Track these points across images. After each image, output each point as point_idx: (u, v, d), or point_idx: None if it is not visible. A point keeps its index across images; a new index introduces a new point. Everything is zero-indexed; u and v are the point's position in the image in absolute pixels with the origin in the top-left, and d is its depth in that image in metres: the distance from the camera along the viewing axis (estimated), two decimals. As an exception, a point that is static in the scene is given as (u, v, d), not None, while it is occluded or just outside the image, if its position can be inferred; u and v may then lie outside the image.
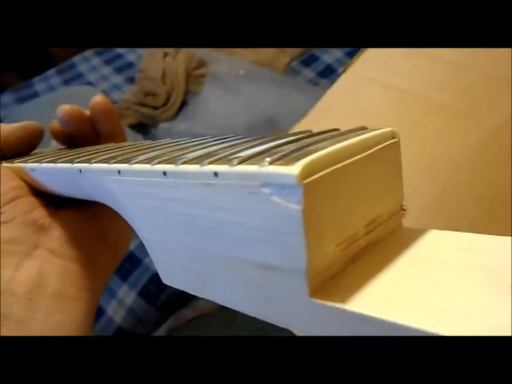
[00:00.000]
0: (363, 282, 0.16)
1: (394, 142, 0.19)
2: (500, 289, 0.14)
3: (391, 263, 0.17)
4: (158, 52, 1.15)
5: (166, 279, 0.22)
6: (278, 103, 0.95)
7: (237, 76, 1.00)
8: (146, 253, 0.92)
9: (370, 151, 0.18)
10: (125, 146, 0.28)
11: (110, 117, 0.37)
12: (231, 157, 0.17)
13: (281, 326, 0.18)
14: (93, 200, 0.27)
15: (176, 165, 0.18)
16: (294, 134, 0.20)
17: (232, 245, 0.17)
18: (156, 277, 0.80)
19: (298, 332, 0.17)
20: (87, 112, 0.37)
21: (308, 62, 1.13)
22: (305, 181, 0.14)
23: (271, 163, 0.15)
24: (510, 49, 0.50)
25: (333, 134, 0.19)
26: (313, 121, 0.52)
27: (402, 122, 0.48)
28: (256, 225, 0.16)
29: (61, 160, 0.27)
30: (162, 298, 0.79)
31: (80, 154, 0.28)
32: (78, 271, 0.30)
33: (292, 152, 0.16)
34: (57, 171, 0.27)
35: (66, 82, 1.22)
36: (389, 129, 0.19)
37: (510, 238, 0.17)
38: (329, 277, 0.16)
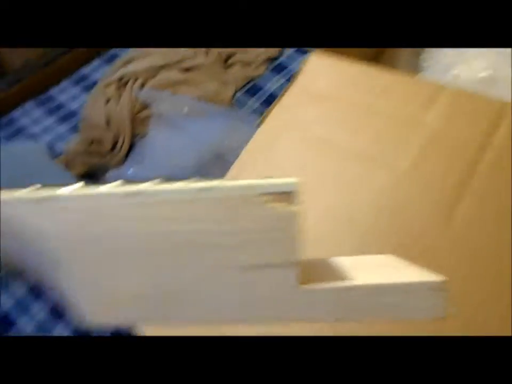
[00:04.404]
0: (319, 273, 0.20)
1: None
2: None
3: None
4: (100, 98, 1.14)
5: (100, 318, 0.20)
6: (225, 137, 0.95)
7: (181, 114, 1.00)
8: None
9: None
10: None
11: None
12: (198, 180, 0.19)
13: (268, 320, 0.19)
14: None
15: (146, 186, 0.18)
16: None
17: (217, 254, 0.18)
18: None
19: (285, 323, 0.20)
20: None
21: (252, 92, 1.14)
22: (298, 189, 0.18)
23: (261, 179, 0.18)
24: (414, 87, 0.53)
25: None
26: (237, 175, 0.52)
27: (322, 172, 0.49)
28: (250, 229, 0.18)
29: None
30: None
31: None
32: None
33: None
34: None
35: (8, 137, 1.18)
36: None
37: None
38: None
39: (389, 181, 0.46)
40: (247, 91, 1.14)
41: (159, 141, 0.96)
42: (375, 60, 0.68)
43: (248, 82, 1.16)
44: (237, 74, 1.15)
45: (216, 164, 0.93)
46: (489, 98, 0.48)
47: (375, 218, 0.43)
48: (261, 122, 0.55)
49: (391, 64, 0.65)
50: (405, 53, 0.66)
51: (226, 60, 1.19)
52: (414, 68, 0.63)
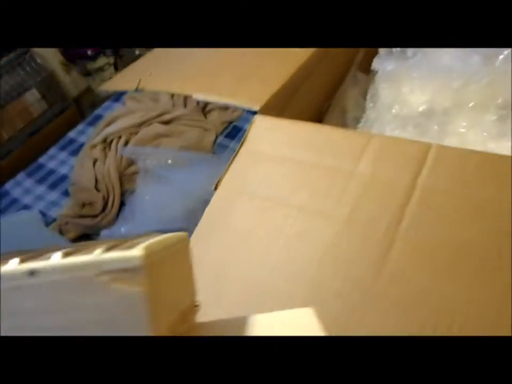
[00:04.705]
0: None
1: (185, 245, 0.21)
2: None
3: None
4: (87, 160, 1.17)
5: None
6: (211, 182, 0.97)
7: (166, 166, 1.03)
8: None
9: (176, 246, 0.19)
10: None
11: None
12: (48, 255, 0.15)
13: None
14: None
15: None
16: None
17: None
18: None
19: None
20: None
21: (233, 134, 1.17)
22: (148, 262, 0.14)
23: (105, 251, 0.14)
24: (348, 139, 0.56)
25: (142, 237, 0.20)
26: (194, 245, 0.54)
27: (268, 231, 0.51)
28: (88, 319, 0.14)
29: None
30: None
31: None
32: None
33: (117, 245, 0.16)
34: None
35: (2, 211, 1.21)
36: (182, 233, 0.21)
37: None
38: None
39: (330, 231, 0.48)
40: (227, 134, 1.17)
41: (147, 195, 0.98)
42: (326, 101, 0.71)
43: (227, 126, 1.20)
44: (216, 120, 1.19)
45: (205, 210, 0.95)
46: (414, 140, 0.51)
47: (319, 268, 0.45)
48: (215, 188, 0.58)
49: (340, 106, 0.69)
50: (353, 95, 0.70)
51: (204, 108, 1.23)
52: (361, 109, 0.67)
